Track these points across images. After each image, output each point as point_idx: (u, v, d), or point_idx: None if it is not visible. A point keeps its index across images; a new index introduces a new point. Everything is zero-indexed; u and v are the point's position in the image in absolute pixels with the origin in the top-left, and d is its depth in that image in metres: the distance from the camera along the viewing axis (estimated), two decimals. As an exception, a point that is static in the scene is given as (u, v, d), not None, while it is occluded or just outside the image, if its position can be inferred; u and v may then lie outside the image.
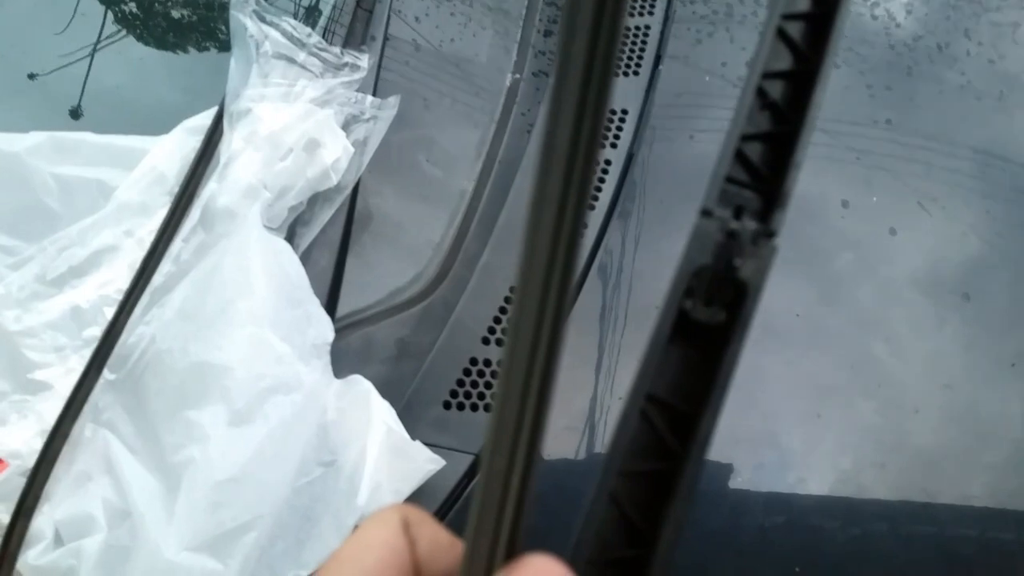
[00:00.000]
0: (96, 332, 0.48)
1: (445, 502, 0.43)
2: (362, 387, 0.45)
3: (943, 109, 0.62)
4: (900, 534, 0.43)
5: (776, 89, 0.23)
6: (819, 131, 0.58)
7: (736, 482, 0.44)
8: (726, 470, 0.44)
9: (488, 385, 0.47)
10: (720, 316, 0.23)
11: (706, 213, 0.23)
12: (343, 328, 0.50)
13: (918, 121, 0.60)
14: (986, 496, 0.45)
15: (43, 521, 0.43)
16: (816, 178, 0.55)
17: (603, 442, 0.46)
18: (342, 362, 0.48)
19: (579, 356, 0.48)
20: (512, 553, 0.19)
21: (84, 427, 0.45)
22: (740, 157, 0.23)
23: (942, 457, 0.46)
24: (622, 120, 0.56)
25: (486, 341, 0.49)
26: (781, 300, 0.50)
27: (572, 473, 0.45)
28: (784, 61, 0.24)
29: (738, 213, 0.23)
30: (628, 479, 0.22)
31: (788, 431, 0.46)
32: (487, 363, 0.48)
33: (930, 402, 0.47)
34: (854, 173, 0.56)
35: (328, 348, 0.48)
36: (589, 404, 0.46)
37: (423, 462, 0.43)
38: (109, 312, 0.48)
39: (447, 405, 0.46)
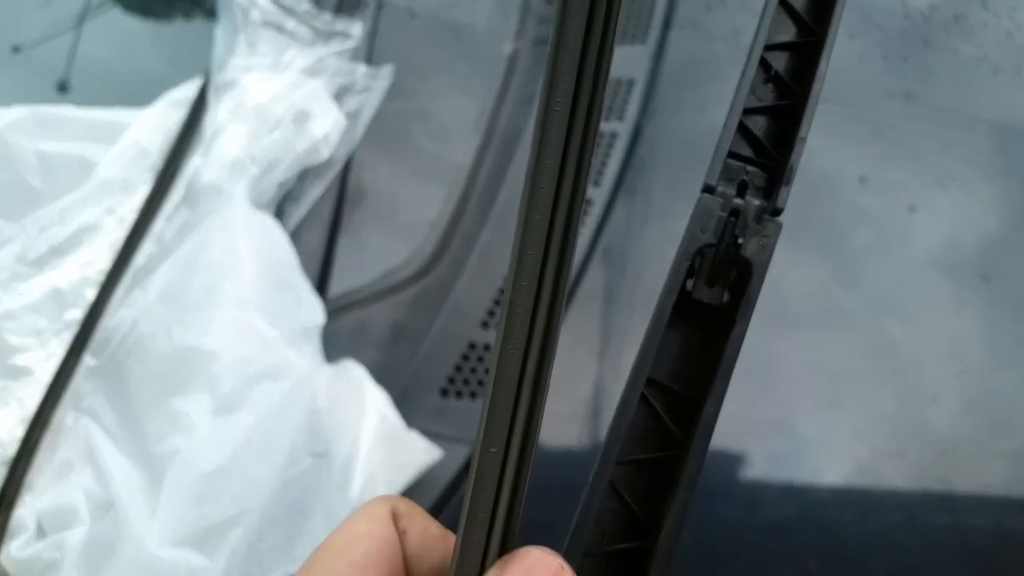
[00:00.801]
0: (77, 315, 0.46)
1: (443, 494, 0.42)
2: (355, 373, 0.43)
3: (960, 82, 0.59)
4: (917, 524, 0.41)
5: (780, 61, 0.22)
6: (833, 103, 0.55)
7: (749, 472, 0.42)
8: (738, 459, 0.42)
9: (473, 370, 0.45)
10: (723, 296, 0.22)
11: (708, 190, 0.22)
12: (335, 311, 0.48)
13: (935, 94, 0.58)
14: (1005, 485, 0.43)
15: (25, 512, 0.41)
16: (832, 153, 0.53)
17: (606, 430, 0.44)
18: (334, 347, 0.46)
19: (581, 339, 0.46)
20: (506, 546, 0.18)
21: (66, 415, 0.44)
22: (743, 131, 0.22)
23: (960, 445, 0.44)
24: (628, 91, 0.53)
25: (485, 325, 0.46)
26: (795, 281, 0.48)
27: (573, 463, 0.43)
28: (788, 32, 0.23)
29: (741, 190, 0.22)
30: (628, 467, 0.22)
31: (803, 419, 0.44)
32: (486, 348, 0.46)
33: (948, 388, 0.45)
34: (871, 148, 0.54)
35: (319, 332, 0.46)
36: (592, 390, 0.44)
37: (419, 452, 0.41)
38: (90, 294, 0.46)
39: (444, 392, 0.45)
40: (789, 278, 0.47)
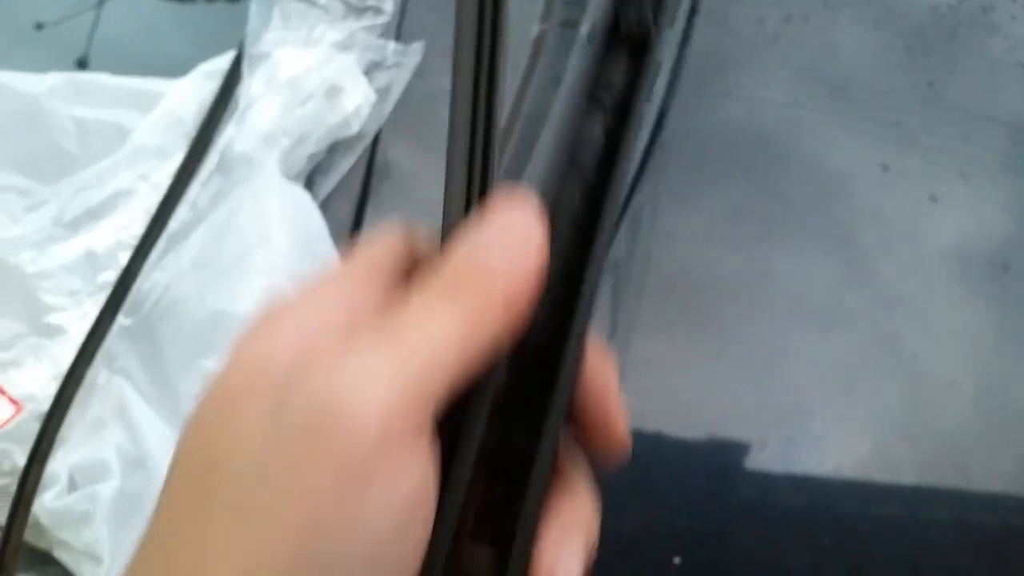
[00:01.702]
0: (111, 277, 0.47)
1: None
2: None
3: (984, 76, 0.59)
4: (927, 516, 0.42)
5: None
6: (853, 95, 0.55)
7: (758, 459, 0.43)
8: (747, 447, 0.43)
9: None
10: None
11: None
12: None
13: (958, 88, 0.58)
14: (1017, 479, 0.43)
15: (58, 465, 0.42)
16: (848, 145, 0.53)
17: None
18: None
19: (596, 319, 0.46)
20: (485, 192, 0.19)
21: (99, 373, 0.45)
22: None
23: (971, 438, 0.44)
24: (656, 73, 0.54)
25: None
26: (807, 275, 0.48)
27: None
28: None
29: None
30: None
31: (812, 410, 0.44)
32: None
33: (960, 381, 0.46)
34: (890, 140, 0.54)
35: (346, 301, 0.47)
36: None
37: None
38: (124, 257, 0.47)
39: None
40: (801, 272, 0.48)
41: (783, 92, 0.55)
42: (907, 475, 0.43)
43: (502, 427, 0.19)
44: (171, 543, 0.17)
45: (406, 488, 0.16)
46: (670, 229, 0.49)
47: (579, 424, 0.20)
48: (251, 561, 0.16)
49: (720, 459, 0.43)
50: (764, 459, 0.43)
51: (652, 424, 0.43)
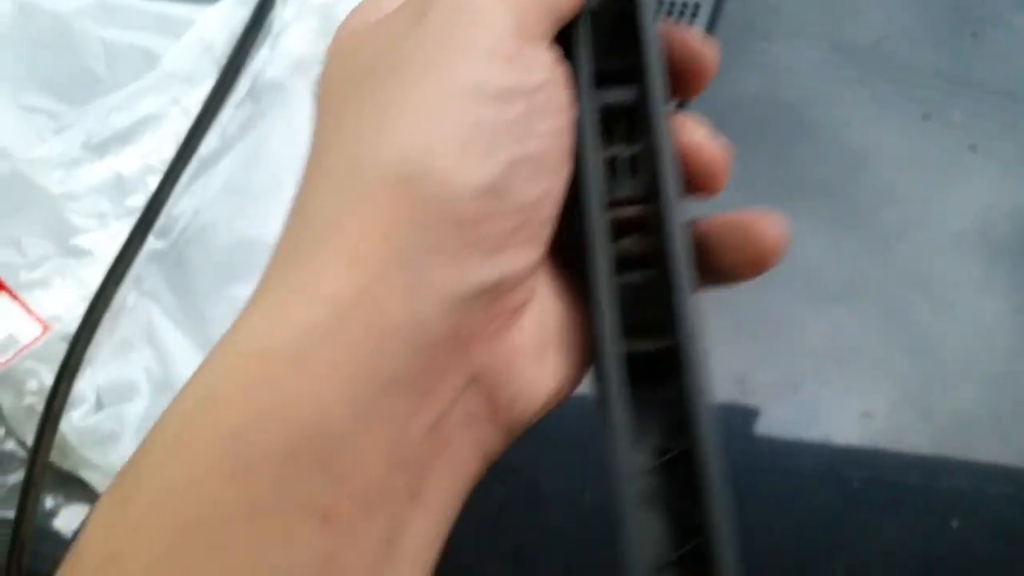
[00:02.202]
0: (139, 201, 0.46)
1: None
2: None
3: (1017, 58, 0.58)
4: (941, 485, 0.41)
5: None
6: (879, 76, 0.54)
7: (765, 430, 0.42)
8: (756, 413, 0.43)
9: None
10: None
11: None
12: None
13: (989, 70, 0.56)
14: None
15: (85, 385, 0.42)
16: (874, 118, 0.52)
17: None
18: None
19: None
20: None
21: (127, 296, 0.44)
22: None
23: (982, 420, 0.44)
24: (694, 15, 0.52)
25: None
26: (820, 254, 0.47)
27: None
28: None
29: None
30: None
31: (822, 384, 0.44)
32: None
33: (974, 365, 0.45)
34: (917, 116, 0.53)
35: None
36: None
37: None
38: (153, 181, 0.46)
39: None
40: (818, 245, 0.47)
41: (807, 62, 0.53)
42: (920, 448, 0.42)
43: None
44: (341, 134, 0.18)
45: (541, 76, 0.18)
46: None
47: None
48: (426, 126, 0.17)
49: (730, 426, 0.42)
50: (773, 427, 0.42)
51: None
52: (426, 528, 0.17)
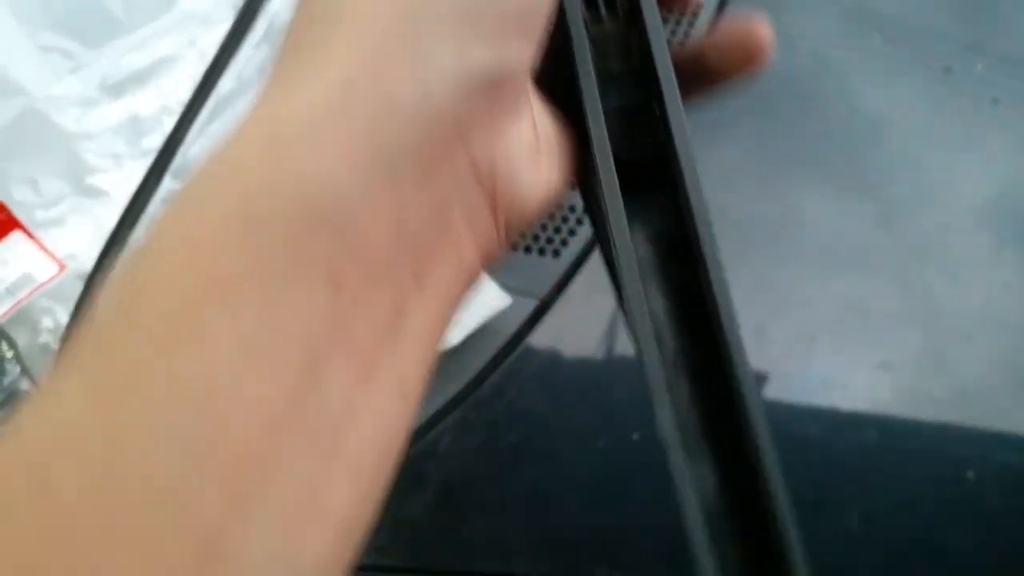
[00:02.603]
0: (155, 142, 0.46)
1: (508, 342, 0.42)
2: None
3: None
4: (951, 451, 0.41)
5: None
6: (896, 39, 0.53)
7: (776, 392, 0.42)
8: (765, 379, 0.42)
9: (557, 230, 0.45)
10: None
11: None
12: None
13: (1008, 38, 0.55)
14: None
15: (100, 324, 0.42)
16: (888, 88, 0.51)
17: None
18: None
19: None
20: None
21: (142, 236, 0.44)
22: None
23: (991, 391, 0.44)
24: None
25: (559, 185, 0.46)
26: (835, 221, 0.47)
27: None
28: None
29: None
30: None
31: (836, 351, 0.44)
32: (558, 206, 0.46)
33: (986, 330, 0.45)
34: (932, 85, 0.52)
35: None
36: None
37: (490, 297, 0.41)
38: (169, 123, 0.46)
39: (515, 247, 0.45)
40: (830, 216, 0.47)
41: (821, 33, 0.53)
42: (928, 415, 0.42)
43: None
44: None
45: None
46: (732, 187, 0.48)
47: None
48: None
49: (787, 420, 0.42)
50: (782, 393, 0.42)
51: None
52: (428, 314, 0.17)
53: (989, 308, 0.45)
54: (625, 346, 0.43)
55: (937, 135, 0.50)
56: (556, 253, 0.45)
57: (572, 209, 0.46)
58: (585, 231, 0.46)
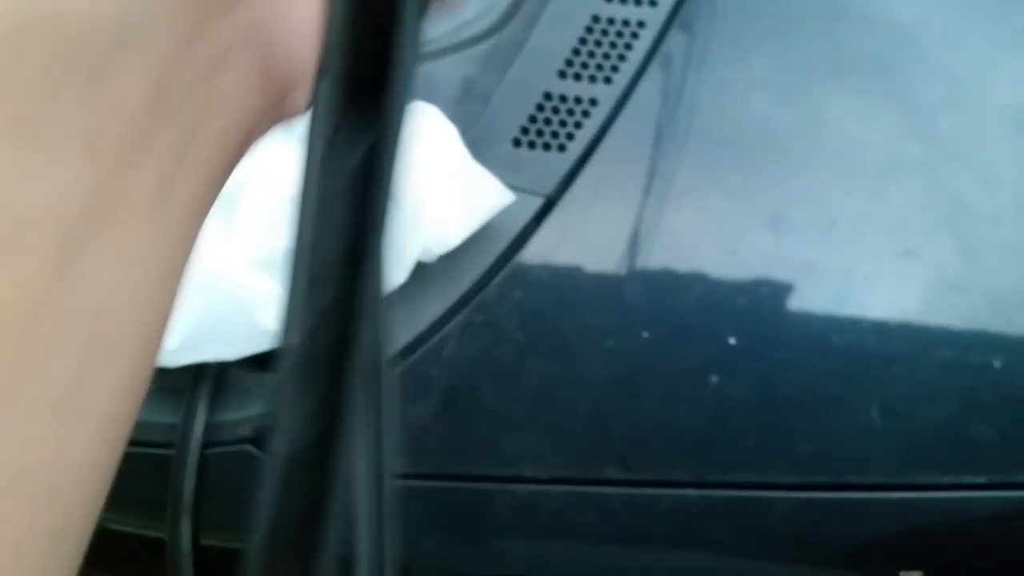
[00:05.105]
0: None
1: (513, 241, 0.41)
2: (425, 110, 0.41)
3: None
4: (978, 360, 0.39)
5: None
6: None
7: (804, 307, 0.40)
8: (791, 289, 0.40)
9: (563, 123, 0.43)
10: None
11: None
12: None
13: None
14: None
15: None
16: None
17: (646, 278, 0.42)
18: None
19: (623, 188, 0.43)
20: None
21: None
22: None
23: (1019, 292, 0.41)
24: None
25: (563, 75, 0.44)
26: (866, 128, 0.44)
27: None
28: None
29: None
30: None
31: (864, 259, 0.41)
32: (563, 98, 0.43)
33: (1018, 236, 0.42)
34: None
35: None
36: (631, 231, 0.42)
37: (493, 194, 0.39)
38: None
39: (517, 143, 0.43)
40: (857, 124, 0.44)
41: None
42: (974, 328, 0.40)
43: None
44: None
45: None
46: (718, 79, 0.44)
47: None
48: None
49: (766, 304, 0.40)
50: (810, 303, 0.40)
51: (713, 272, 0.40)
52: (197, 189, 0.16)
53: (1019, 216, 0.43)
54: (634, 243, 0.41)
55: (967, 38, 0.46)
56: (562, 148, 0.42)
57: (578, 100, 0.43)
58: (592, 123, 0.43)
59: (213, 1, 0.15)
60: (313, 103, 0.17)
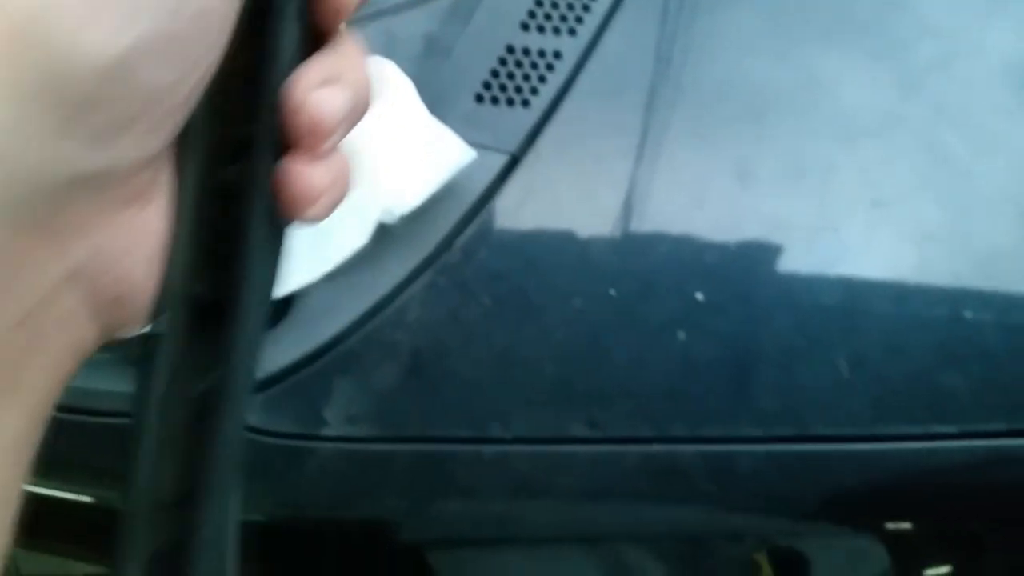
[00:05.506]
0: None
1: (478, 200, 0.40)
2: (382, 65, 0.40)
3: None
4: (966, 316, 0.39)
5: None
6: None
7: (794, 262, 0.39)
8: (782, 249, 0.40)
9: (526, 77, 0.42)
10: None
11: None
12: (359, 20, 0.44)
13: None
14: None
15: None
16: None
17: (638, 224, 0.41)
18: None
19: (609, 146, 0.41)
20: None
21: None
22: None
23: (1011, 254, 0.41)
24: None
25: (525, 27, 0.42)
26: (859, 84, 0.43)
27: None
28: None
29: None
30: None
31: (855, 216, 0.41)
32: (526, 52, 0.42)
33: (1010, 193, 0.42)
34: None
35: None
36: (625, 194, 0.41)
37: (453, 153, 0.38)
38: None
39: (479, 98, 0.41)
40: (850, 81, 0.43)
41: None
42: (946, 280, 0.39)
43: None
44: None
45: None
46: (712, 33, 0.43)
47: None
48: None
49: (733, 259, 0.40)
50: (800, 263, 0.40)
51: (681, 228, 0.39)
52: (20, 425, 0.16)
53: (1014, 174, 0.42)
54: (601, 200, 0.40)
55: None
56: (525, 103, 0.41)
57: (541, 53, 0.42)
58: (556, 78, 0.42)
59: (31, 252, 0.15)
60: (156, 328, 0.17)
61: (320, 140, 0.18)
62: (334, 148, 0.18)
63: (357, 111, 0.19)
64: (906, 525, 0.41)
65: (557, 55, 0.42)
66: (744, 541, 0.42)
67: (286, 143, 0.18)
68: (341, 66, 0.19)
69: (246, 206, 0.17)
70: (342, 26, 0.19)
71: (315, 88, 0.18)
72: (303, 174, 0.18)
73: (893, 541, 0.41)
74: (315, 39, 0.18)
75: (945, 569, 0.43)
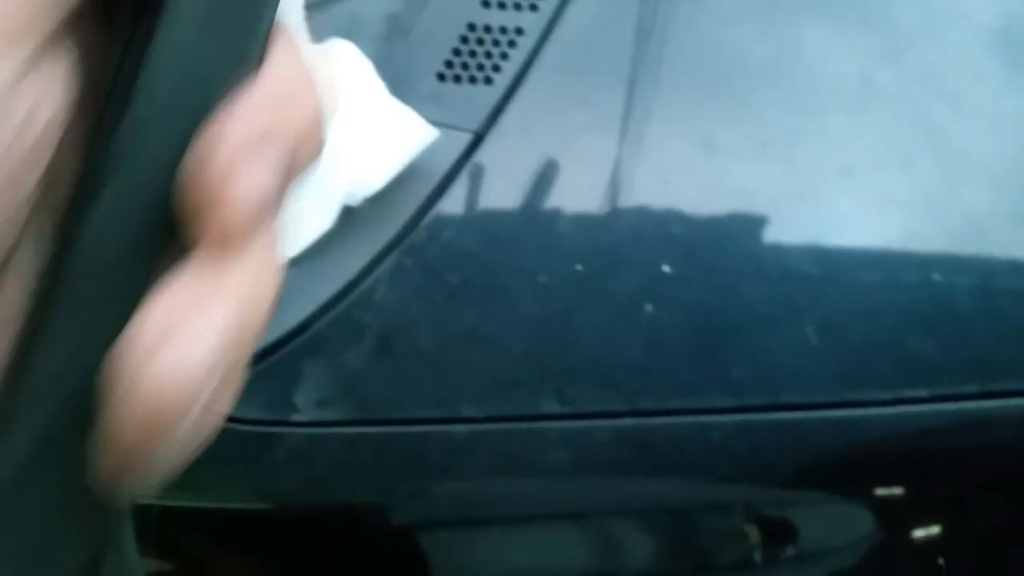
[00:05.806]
0: None
1: (441, 181, 0.40)
2: (341, 47, 0.39)
3: None
4: (951, 282, 0.39)
5: None
6: None
7: (779, 233, 0.39)
8: (767, 221, 0.40)
9: (488, 54, 0.41)
10: None
11: None
12: (322, 2, 0.43)
13: None
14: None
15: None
16: None
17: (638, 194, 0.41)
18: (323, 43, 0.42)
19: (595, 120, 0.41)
20: None
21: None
22: None
23: (996, 221, 0.41)
24: None
25: (486, 4, 0.42)
26: (843, 53, 0.43)
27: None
28: None
29: None
30: None
31: (841, 187, 0.40)
32: (487, 29, 0.42)
33: (989, 167, 0.41)
34: None
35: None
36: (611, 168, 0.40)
37: (416, 132, 0.38)
38: None
39: (441, 77, 0.41)
40: (834, 49, 0.42)
41: None
42: (915, 245, 0.39)
43: None
44: None
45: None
46: (679, 3, 0.43)
47: None
48: None
49: (699, 229, 0.39)
50: (767, 231, 0.39)
51: (647, 201, 0.39)
52: None
53: (995, 140, 0.42)
54: (566, 176, 0.40)
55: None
56: (488, 80, 0.41)
57: (503, 30, 0.42)
58: (518, 54, 0.42)
59: None
60: None
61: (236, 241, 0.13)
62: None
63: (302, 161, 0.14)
64: (886, 490, 0.41)
65: (519, 31, 0.42)
66: (730, 512, 0.42)
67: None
68: (277, 99, 0.14)
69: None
70: (284, 36, 0.15)
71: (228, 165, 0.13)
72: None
73: (877, 505, 0.41)
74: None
75: (935, 530, 0.43)
